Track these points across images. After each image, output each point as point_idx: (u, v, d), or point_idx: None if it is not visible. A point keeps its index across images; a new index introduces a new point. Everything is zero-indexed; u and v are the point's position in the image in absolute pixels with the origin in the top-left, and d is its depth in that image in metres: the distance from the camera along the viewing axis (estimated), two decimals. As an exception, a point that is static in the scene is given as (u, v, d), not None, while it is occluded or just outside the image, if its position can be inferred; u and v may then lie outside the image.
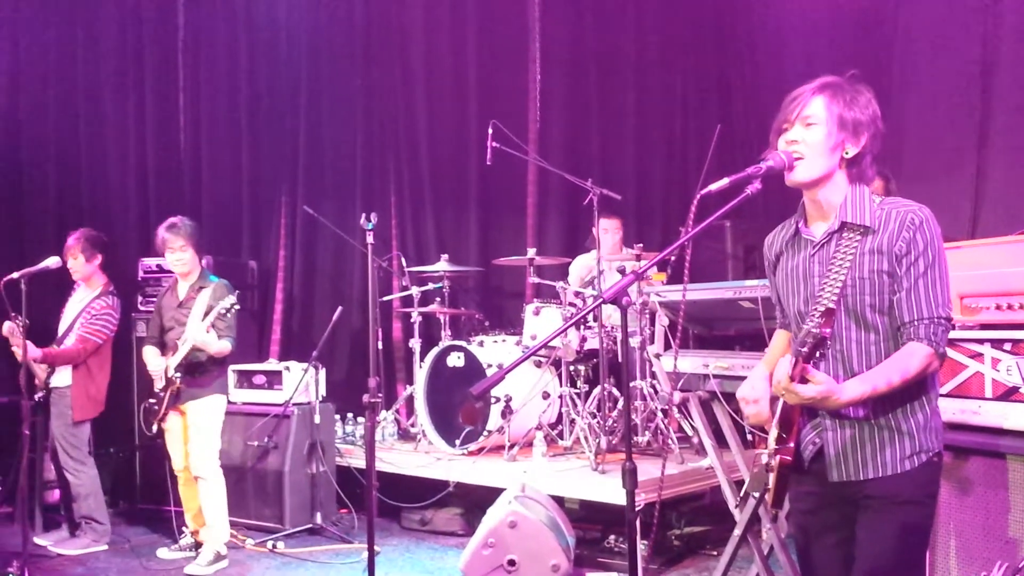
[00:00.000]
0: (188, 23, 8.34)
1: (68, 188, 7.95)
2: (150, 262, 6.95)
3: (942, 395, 3.10)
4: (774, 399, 2.39)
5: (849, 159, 2.36)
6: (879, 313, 2.31)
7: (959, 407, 3.08)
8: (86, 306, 5.66)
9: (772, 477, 2.36)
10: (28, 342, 5.19)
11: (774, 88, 6.35)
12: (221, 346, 5.11)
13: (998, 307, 3.09)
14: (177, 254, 5.23)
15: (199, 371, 5.19)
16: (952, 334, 3.13)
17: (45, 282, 5.62)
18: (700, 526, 5.46)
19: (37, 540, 5.62)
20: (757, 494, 3.80)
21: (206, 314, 5.04)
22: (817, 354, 2.09)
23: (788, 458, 2.33)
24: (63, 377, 5.60)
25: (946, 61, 5.45)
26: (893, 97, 5.61)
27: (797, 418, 2.35)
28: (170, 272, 5.90)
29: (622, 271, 5.62)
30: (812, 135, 2.34)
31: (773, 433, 2.37)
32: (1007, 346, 2.99)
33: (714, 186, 2.41)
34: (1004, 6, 5.19)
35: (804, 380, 2.16)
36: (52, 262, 5.50)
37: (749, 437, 4.55)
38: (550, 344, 5.61)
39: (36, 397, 5.57)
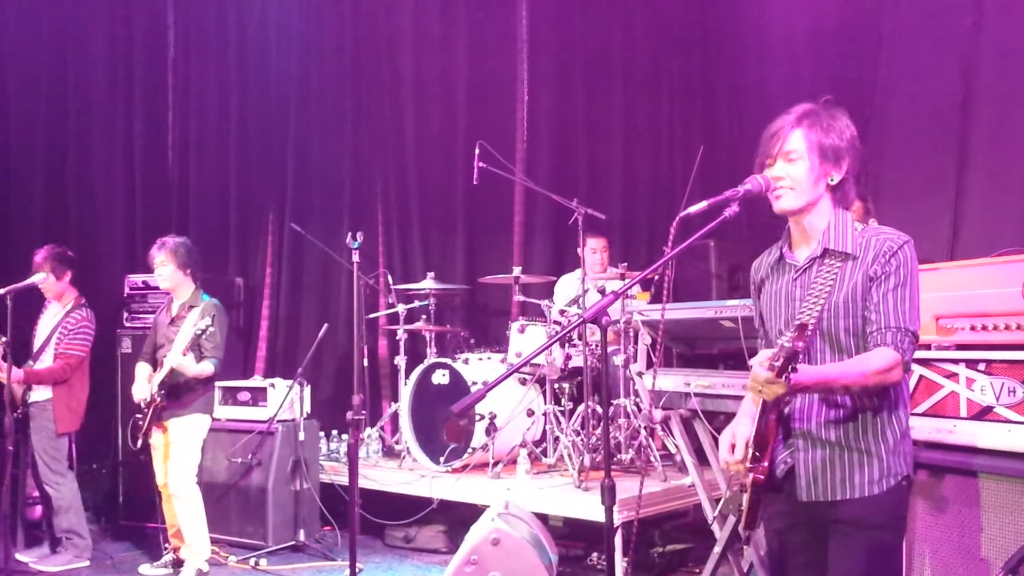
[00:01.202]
0: (178, 41, 8.37)
1: (55, 204, 7.96)
2: (136, 278, 6.95)
3: (918, 414, 3.15)
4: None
5: (834, 185, 2.42)
6: (853, 336, 2.36)
7: (935, 426, 3.12)
8: (60, 322, 5.65)
9: (746, 497, 2.38)
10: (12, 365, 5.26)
11: (759, 109, 6.46)
12: (200, 368, 5.12)
13: (973, 328, 3.14)
14: (158, 270, 5.30)
15: (182, 390, 5.20)
16: (928, 354, 3.19)
17: (29, 297, 5.66)
18: (682, 543, 5.47)
19: (19, 557, 5.60)
20: (733, 515, 3.83)
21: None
22: (790, 368, 2.11)
23: (761, 477, 2.34)
24: (43, 391, 5.59)
25: (927, 82, 5.53)
26: (874, 118, 5.69)
27: (772, 438, 2.37)
28: (155, 288, 5.93)
29: (602, 291, 5.65)
30: (796, 169, 2.39)
31: (748, 453, 2.39)
32: (981, 366, 3.03)
33: (693, 208, 2.46)
34: (984, 28, 5.27)
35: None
36: (39, 278, 5.54)
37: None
38: (535, 362, 5.65)
39: (15, 413, 5.56)
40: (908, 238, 2.37)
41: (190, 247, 5.36)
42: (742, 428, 2.44)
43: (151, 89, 8.25)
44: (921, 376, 3.19)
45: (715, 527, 4.12)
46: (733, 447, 2.42)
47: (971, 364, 3.06)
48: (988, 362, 3.01)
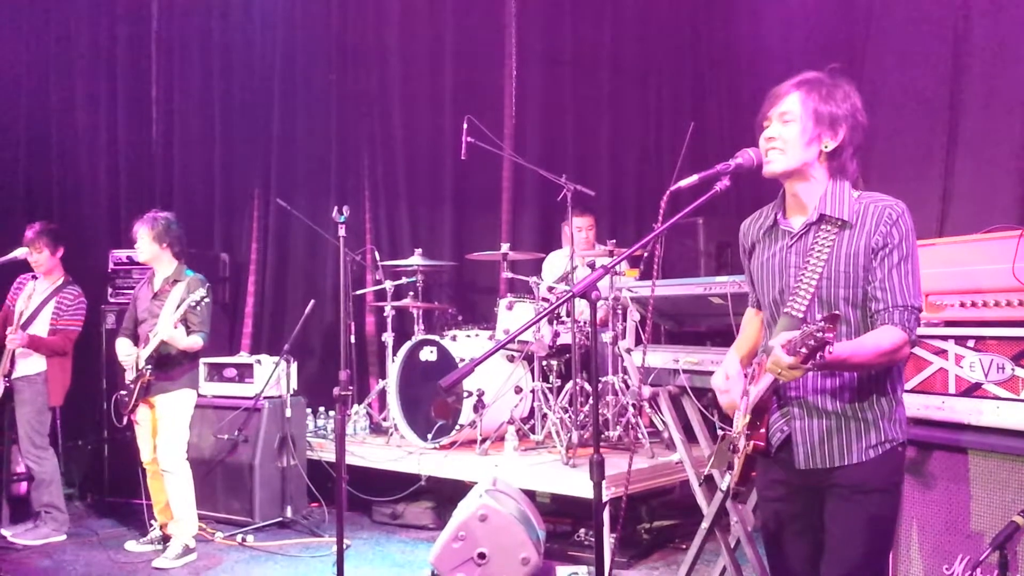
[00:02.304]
0: (162, 15, 8.27)
1: (39, 179, 7.87)
2: (120, 254, 6.91)
3: (907, 391, 3.15)
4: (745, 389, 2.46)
5: (829, 152, 2.39)
6: (852, 306, 2.35)
7: (923, 403, 3.12)
8: (51, 297, 5.65)
9: (739, 461, 2.41)
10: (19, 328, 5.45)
11: (748, 86, 6.43)
12: (191, 341, 5.09)
13: (962, 304, 3.14)
14: (137, 242, 5.29)
15: (169, 365, 5.17)
16: (917, 331, 3.18)
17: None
18: (669, 520, 5.50)
19: (3, 531, 5.59)
20: (720, 473, 3.87)
21: (178, 308, 5.01)
22: (817, 356, 2.04)
23: (761, 444, 2.38)
24: (36, 364, 5.61)
25: (917, 60, 5.49)
26: (864, 95, 5.64)
27: (771, 406, 2.40)
28: (140, 264, 5.89)
29: (592, 266, 5.63)
30: (788, 131, 2.38)
31: (745, 419, 2.42)
32: (970, 343, 3.04)
33: (683, 182, 2.45)
34: (973, 9, 5.25)
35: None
36: (21, 253, 5.53)
37: (719, 432, 4.58)
38: (523, 339, 5.63)
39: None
40: (905, 206, 2.36)
41: (171, 223, 5.30)
42: (733, 366, 2.55)
43: (134, 63, 8.15)
44: (910, 353, 3.18)
45: (702, 502, 4.12)
46: (727, 377, 2.51)
47: (960, 341, 3.07)
48: (977, 339, 3.02)
